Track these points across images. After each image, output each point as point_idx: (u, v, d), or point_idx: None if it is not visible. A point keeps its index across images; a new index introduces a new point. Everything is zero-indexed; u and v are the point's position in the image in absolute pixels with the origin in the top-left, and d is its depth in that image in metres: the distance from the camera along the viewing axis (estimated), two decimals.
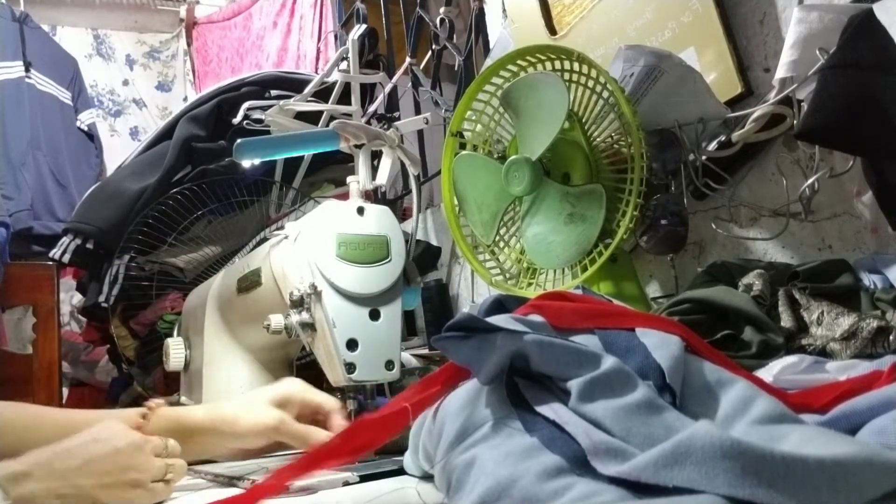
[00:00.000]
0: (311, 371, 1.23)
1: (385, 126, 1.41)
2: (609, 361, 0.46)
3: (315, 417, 0.78)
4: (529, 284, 0.94)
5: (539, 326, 0.53)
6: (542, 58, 0.92)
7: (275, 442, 0.77)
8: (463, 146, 1.01)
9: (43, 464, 0.57)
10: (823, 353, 0.61)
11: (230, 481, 0.77)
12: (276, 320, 0.84)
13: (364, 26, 1.56)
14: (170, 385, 1.35)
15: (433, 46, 1.69)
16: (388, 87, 1.57)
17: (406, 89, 1.75)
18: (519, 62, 0.94)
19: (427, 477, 0.62)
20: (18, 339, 2.04)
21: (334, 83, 1.44)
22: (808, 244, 0.88)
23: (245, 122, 1.32)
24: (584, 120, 0.89)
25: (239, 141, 0.95)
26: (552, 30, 1.28)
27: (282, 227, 0.93)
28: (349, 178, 0.90)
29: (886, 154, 0.67)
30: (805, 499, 0.32)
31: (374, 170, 0.98)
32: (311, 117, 1.39)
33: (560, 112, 0.84)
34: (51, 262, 1.50)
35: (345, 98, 1.44)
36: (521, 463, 0.42)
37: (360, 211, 0.87)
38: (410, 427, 0.57)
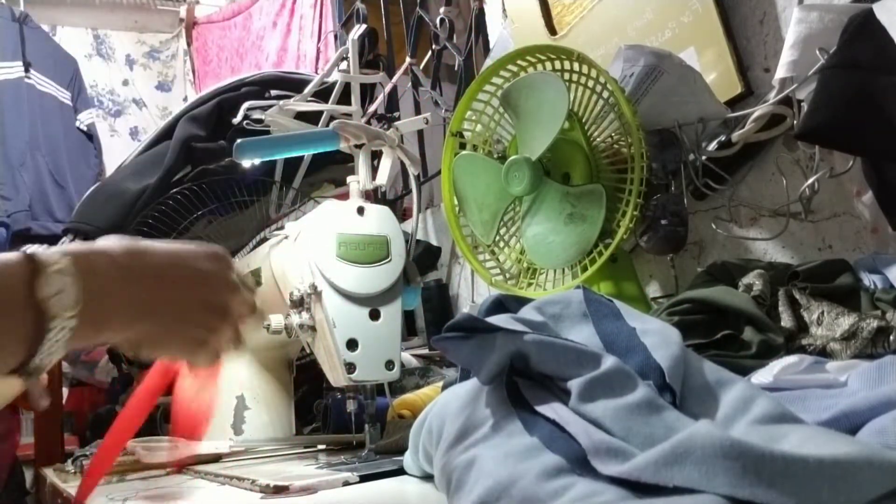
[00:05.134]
0: (311, 371, 1.24)
1: (385, 126, 1.41)
2: (609, 361, 0.46)
3: None
4: (529, 284, 0.94)
5: (539, 326, 0.53)
6: (542, 58, 0.92)
7: None
8: (463, 146, 1.01)
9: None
10: (823, 353, 0.61)
11: (231, 481, 0.77)
12: (276, 320, 0.84)
13: (364, 26, 1.56)
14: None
15: (433, 46, 1.69)
16: (388, 87, 1.57)
17: (406, 89, 1.75)
18: (519, 62, 0.94)
19: (427, 477, 0.62)
20: None
21: (334, 83, 1.44)
22: (808, 244, 0.88)
23: (245, 122, 1.31)
24: (584, 120, 0.89)
25: (239, 141, 0.94)
26: (552, 30, 1.28)
27: (282, 227, 0.93)
28: (349, 178, 0.90)
29: (886, 154, 0.67)
30: (805, 498, 0.32)
31: (374, 170, 0.98)
32: (311, 117, 1.38)
33: (560, 112, 0.84)
34: None
35: (345, 98, 1.43)
36: (521, 463, 0.42)
37: (360, 211, 0.87)
38: None
